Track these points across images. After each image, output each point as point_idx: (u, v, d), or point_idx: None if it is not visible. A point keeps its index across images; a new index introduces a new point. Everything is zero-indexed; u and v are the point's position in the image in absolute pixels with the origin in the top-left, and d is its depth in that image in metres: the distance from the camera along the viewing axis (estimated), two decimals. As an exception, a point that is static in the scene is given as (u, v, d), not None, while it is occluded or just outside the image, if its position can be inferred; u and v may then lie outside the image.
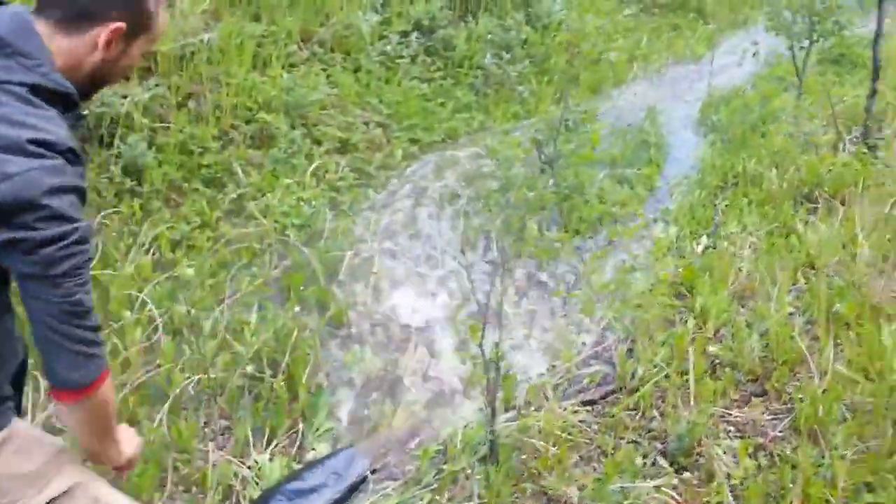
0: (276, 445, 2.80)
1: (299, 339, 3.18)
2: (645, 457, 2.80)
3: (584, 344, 3.48)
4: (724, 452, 2.76)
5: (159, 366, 3.05)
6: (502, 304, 2.67)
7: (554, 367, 3.31)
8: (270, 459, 2.69)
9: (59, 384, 1.42)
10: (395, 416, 3.02)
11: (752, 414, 2.97)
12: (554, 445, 2.70)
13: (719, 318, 3.47)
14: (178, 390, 2.92)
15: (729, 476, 2.65)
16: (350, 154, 4.91)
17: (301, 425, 2.90)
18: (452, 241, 4.25)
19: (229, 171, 4.41)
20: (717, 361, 3.28)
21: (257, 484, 2.62)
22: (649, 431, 2.92)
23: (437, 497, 2.57)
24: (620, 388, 3.13)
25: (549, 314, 3.66)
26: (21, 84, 1.35)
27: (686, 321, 3.47)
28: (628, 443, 2.86)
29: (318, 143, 4.83)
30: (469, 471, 2.66)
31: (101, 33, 1.44)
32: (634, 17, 8.27)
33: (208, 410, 2.90)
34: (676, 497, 2.52)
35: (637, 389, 3.06)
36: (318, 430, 2.90)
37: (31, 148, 1.31)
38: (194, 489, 2.61)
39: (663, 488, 2.55)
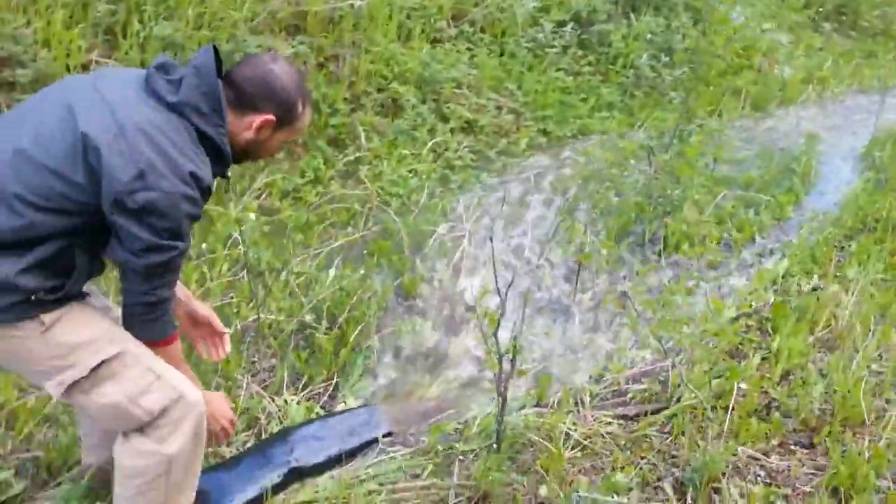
0: (308, 391, 2.99)
1: (360, 301, 3.35)
2: (659, 480, 2.74)
3: (642, 359, 3.42)
4: (742, 496, 2.65)
5: (232, 299, 3.32)
6: (526, 299, 2.69)
7: (602, 376, 3.28)
8: (298, 403, 2.88)
9: (136, 335, 1.93)
10: (430, 390, 3.12)
11: (788, 463, 2.81)
12: (550, 446, 2.70)
13: (791, 361, 3.28)
14: (239, 324, 3.18)
15: (736, 520, 2.54)
16: (474, 135, 5.01)
17: (338, 379, 3.07)
18: (548, 235, 4.26)
19: (353, 134, 4.64)
20: (775, 404, 3.12)
21: (281, 422, 2.82)
22: (673, 457, 2.84)
23: (437, 471, 2.65)
24: (660, 410, 3.05)
25: (617, 324, 3.61)
26: (200, 131, 1.83)
27: (754, 357, 3.31)
28: (647, 463, 2.80)
29: (445, 119, 4.96)
30: (475, 454, 2.72)
31: (256, 120, 1.91)
32: (825, 37, 7.74)
33: (259, 347, 3.14)
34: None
35: (676, 414, 2.98)
36: (353, 386, 3.06)
37: (188, 178, 1.77)
38: (227, 414, 2.85)
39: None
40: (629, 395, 3.17)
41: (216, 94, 1.85)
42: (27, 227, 1.75)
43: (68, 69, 4.01)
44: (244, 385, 2.92)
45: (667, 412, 2.93)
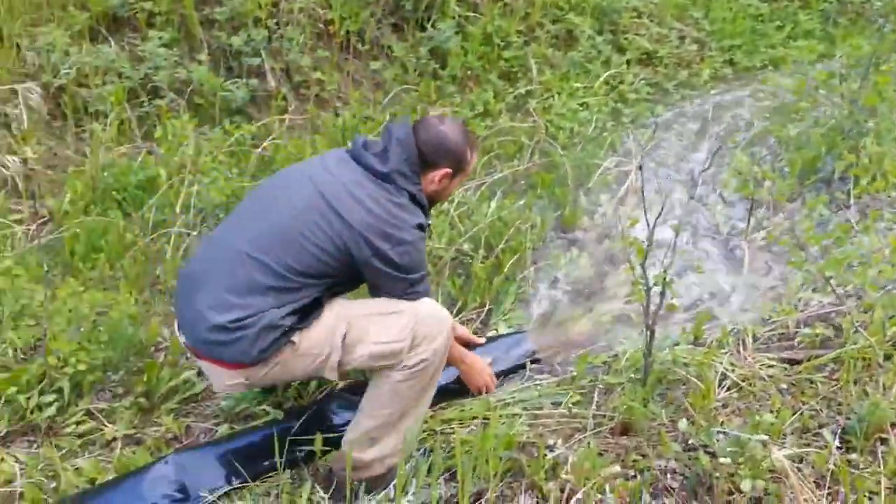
0: (461, 317, 3.07)
1: (518, 231, 3.37)
2: (820, 427, 2.58)
3: (819, 303, 3.20)
4: (914, 449, 2.44)
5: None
6: (678, 231, 2.58)
7: (769, 317, 3.11)
8: (451, 326, 2.97)
9: None
10: (582, 321, 3.11)
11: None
12: (701, 383, 2.60)
13: None
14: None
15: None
16: (652, 67, 4.82)
17: (491, 306, 3.13)
18: (720, 173, 4.04)
19: (525, 66, 4.61)
20: (968, 356, 2.83)
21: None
22: (838, 405, 2.66)
23: (581, 402, 2.66)
24: (833, 357, 2.85)
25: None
26: (409, 193, 2.25)
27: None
28: (809, 409, 2.65)
29: (622, 51, 4.80)
30: (621, 387, 2.69)
31: (437, 175, 2.32)
32: None
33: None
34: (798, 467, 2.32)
35: (844, 360, 2.78)
36: (505, 314, 3.10)
37: (416, 227, 2.23)
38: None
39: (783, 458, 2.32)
40: (797, 339, 2.99)
41: (415, 160, 2.26)
42: (294, 290, 2.17)
43: (260, 6, 4.27)
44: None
45: (831, 355, 2.74)
